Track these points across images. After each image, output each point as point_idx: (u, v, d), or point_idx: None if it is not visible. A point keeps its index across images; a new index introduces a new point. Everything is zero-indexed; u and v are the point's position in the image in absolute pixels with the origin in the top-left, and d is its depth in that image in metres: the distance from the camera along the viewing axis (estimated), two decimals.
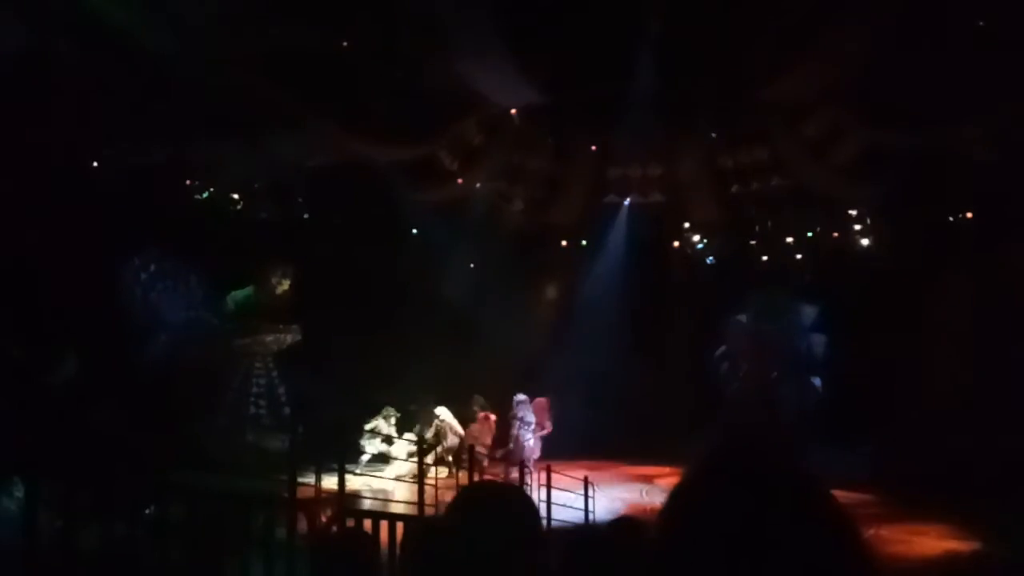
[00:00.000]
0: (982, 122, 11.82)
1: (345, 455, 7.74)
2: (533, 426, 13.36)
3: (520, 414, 13.33)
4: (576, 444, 14.61)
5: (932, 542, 10.22)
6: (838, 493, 0.90)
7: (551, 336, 17.70)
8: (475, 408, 14.81)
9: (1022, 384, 11.93)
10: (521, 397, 13.56)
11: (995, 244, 13.02)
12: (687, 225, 18.04)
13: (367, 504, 9.82)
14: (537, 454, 13.29)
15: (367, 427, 14.32)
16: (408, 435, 14.10)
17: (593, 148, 16.15)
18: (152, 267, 12.86)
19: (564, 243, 18.39)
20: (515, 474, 12.31)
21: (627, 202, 17.40)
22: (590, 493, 10.83)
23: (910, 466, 11.86)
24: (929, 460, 11.75)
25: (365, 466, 13.36)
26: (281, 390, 13.75)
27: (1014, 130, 11.60)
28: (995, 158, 12.17)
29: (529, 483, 12.25)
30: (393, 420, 14.62)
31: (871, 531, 10.37)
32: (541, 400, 13.66)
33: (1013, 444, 11.73)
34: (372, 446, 13.88)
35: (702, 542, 0.84)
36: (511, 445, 13.29)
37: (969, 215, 14.52)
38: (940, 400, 12.75)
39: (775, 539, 0.81)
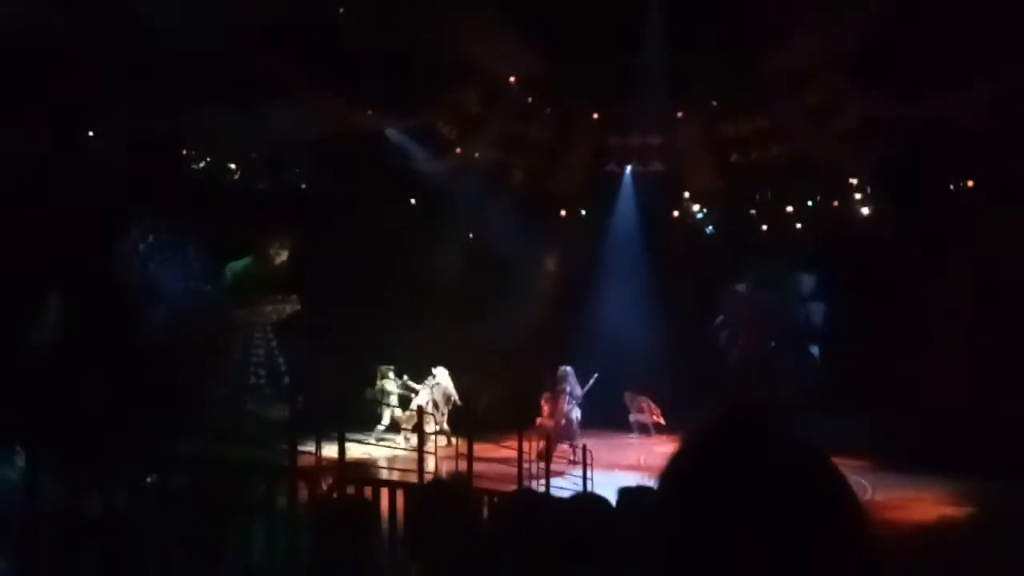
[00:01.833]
0: (982, 90, 11.72)
1: (345, 423, 7.77)
2: (578, 397, 13.09)
3: (567, 387, 13.01)
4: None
5: (927, 508, 10.33)
6: (837, 459, 0.90)
7: (551, 306, 17.75)
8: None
9: (1019, 353, 11.98)
10: (567, 369, 13.24)
11: (995, 213, 12.96)
12: (687, 194, 17.98)
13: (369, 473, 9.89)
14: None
15: (376, 389, 14.25)
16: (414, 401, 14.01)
17: (595, 116, 16.03)
18: (150, 238, 12.82)
19: (563, 212, 18.34)
20: (568, 450, 12.29)
21: (628, 171, 17.33)
22: (588, 461, 10.94)
23: (907, 434, 11.94)
24: (926, 428, 11.83)
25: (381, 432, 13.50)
26: (280, 360, 13.78)
27: (1014, 98, 11.49)
28: (996, 127, 12.07)
29: (578, 459, 12.26)
30: (392, 375, 14.57)
31: (867, 497, 10.50)
32: (568, 368, 13.37)
33: (1009, 413, 11.81)
34: (386, 411, 13.89)
35: (701, 508, 0.84)
36: (562, 420, 12.87)
37: (970, 184, 14.45)
38: (938, 369, 12.80)
39: (774, 505, 0.81)
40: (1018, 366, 12.06)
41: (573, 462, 12.12)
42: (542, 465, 10.28)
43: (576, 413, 12.94)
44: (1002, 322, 12.39)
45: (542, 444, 11.94)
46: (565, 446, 12.72)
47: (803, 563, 0.79)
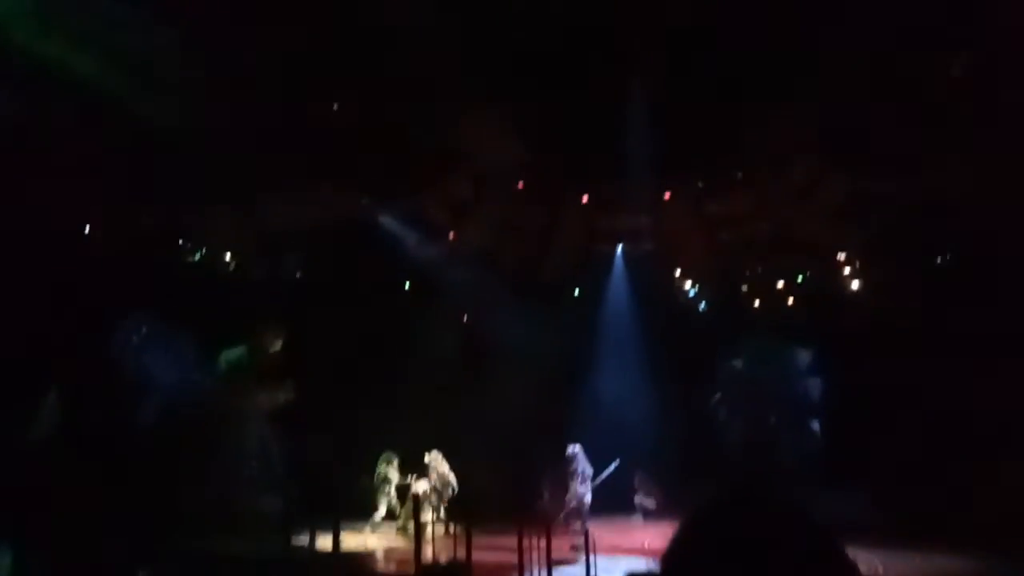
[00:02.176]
0: (965, 165, 12.03)
1: (341, 512, 7.59)
2: (590, 479, 12.71)
3: (578, 467, 12.65)
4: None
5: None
6: (842, 535, 0.90)
7: (547, 388, 17.64)
8: None
9: (1019, 421, 11.90)
10: (575, 449, 12.91)
11: (984, 283, 13.11)
12: (678, 272, 18.13)
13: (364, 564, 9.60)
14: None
15: (378, 477, 13.98)
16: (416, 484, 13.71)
17: (584, 198, 16.33)
18: (144, 328, 12.80)
19: (556, 293, 18.42)
20: (579, 536, 11.85)
21: (619, 251, 17.53)
22: (592, 547, 10.64)
23: (912, 507, 11.73)
24: (930, 501, 11.62)
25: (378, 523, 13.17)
26: (274, 449, 13.57)
27: (996, 174, 11.79)
28: (981, 199, 12.34)
29: (589, 545, 11.86)
30: (396, 463, 14.30)
31: (879, 574, 10.23)
32: (577, 447, 13.06)
33: (1011, 482, 11.65)
34: (383, 500, 13.59)
35: None
36: (572, 503, 12.50)
37: (957, 257, 14.64)
38: (938, 440, 12.68)
39: None
40: (1017, 435, 11.97)
41: (575, 547, 11.78)
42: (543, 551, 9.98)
43: (586, 494, 12.55)
44: (999, 390, 12.35)
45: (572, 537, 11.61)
46: (576, 528, 12.38)
47: None
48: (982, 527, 10.75)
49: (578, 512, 12.42)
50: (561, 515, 12.77)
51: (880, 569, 10.56)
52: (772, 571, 0.81)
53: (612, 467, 13.27)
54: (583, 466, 12.69)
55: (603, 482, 13.58)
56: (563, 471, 12.87)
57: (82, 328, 11.11)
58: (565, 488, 12.69)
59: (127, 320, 12.74)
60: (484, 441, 15.04)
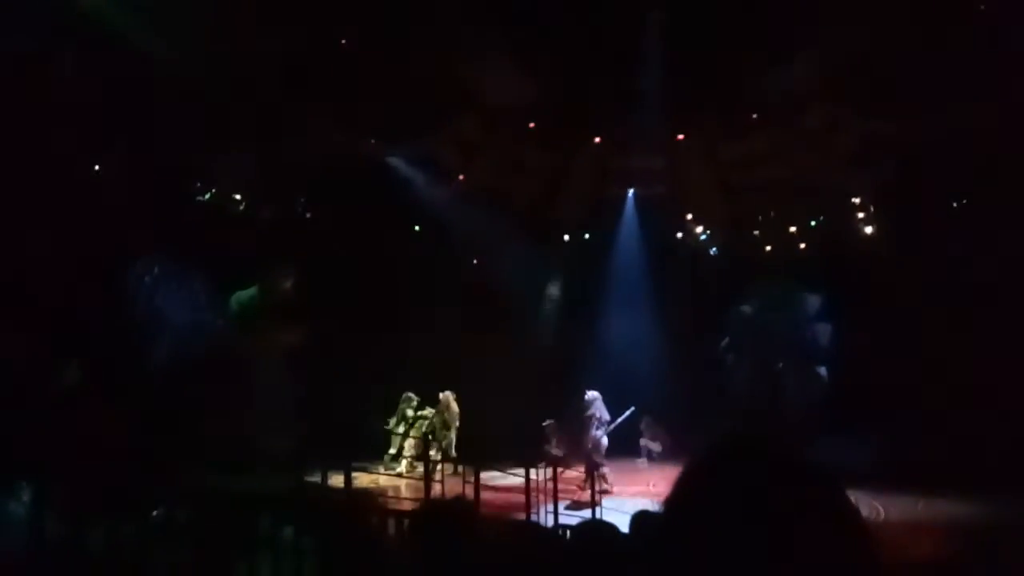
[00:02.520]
0: (981, 108, 11.78)
1: (354, 452, 7.73)
2: (606, 423, 12.89)
3: (596, 412, 12.77)
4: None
5: (940, 530, 10.21)
6: (846, 480, 0.89)
7: (556, 331, 17.75)
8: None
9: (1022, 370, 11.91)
10: (593, 393, 13.01)
11: (997, 231, 12.95)
12: (690, 217, 18.02)
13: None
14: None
15: (397, 416, 14.24)
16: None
17: (596, 140, 16.12)
18: (156, 270, 12.86)
19: (566, 236, 18.40)
20: (594, 476, 12.14)
21: (631, 194, 17.39)
22: (597, 487, 10.85)
23: (917, 453, 11.84)
24: (935, 447, 11.72)
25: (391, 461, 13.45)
26: (288, 389, 13.74)
27: (1013, 116, 11.54)
28: (995, 144, 12.12)
29: (608, 487, 12.13)
30: (414, 403, 14.52)
31: (880, 519, 10.39)
32: (595, 393, 13.14)
33: (1016, 429, 11.71)
34: (397, 438, 13.84)
35: (706, 532, 0.83)
36: (589, 446, 12.66)
37: (970, 201, 14.45)
38: (944, 387, 12.71)
39: (781, 529, 0.81)
40: (1020, 383, 11.98)
41: (591, 488, 12.05)
42: (550, 491, 10.17)
43: (602, 437, 12.75)
44: (1006, 339, 12.32)
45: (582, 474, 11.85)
46: (603, 471, 12.66)
47: None
48: (984, 473, 10.85)
49: (596, 455, 12.61)
50: (578, 457, 12.97)
51: (882, 513, 10.73)
52: (774, 516, 0.81)
53: (628, 412, 13.39)
54: (600, 411, 12.82)
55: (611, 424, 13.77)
56: (581, 415, 12.96)
57: (93, 271, 11.17)
58: (582, 431, 12.81)
59: (138, 263, 12.79)
60: (496, 383, 15.20)
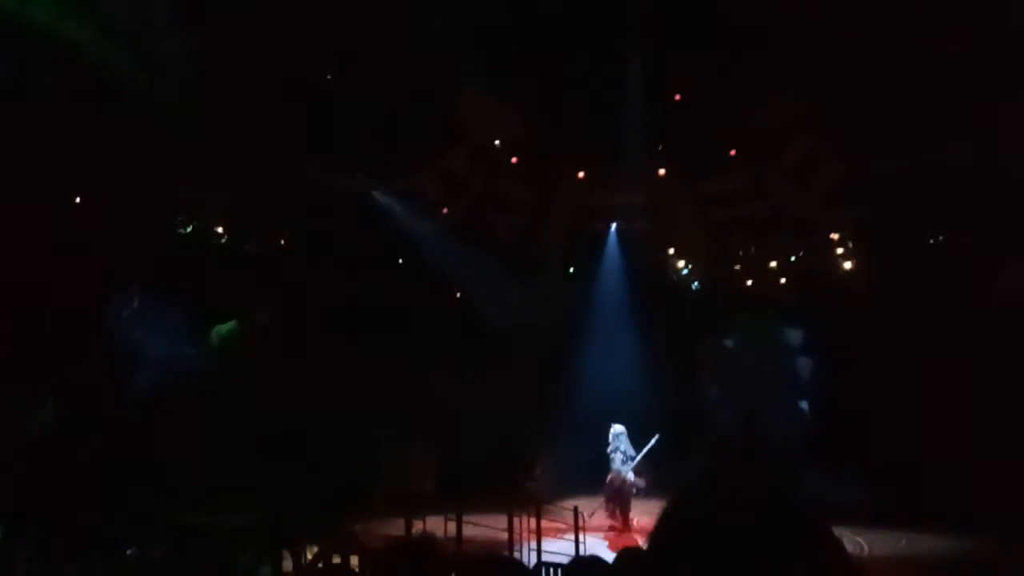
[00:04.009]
0: (958, 146, 12.03)
1: (337, 492, 7.62)
2: (634, 460, 12.65)
3: (621, 447, 12.56)
4: (573, 478, 14.59)
5: (922, 567, 10.20)
6: (829, 515, 0.89)
7: (540, 365, 17.70)
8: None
9: (1008, 405, 11.99)
10: (618, 428, 12.76)
11: (976, 265, 13.15)
12: (672, 251, 18.15)
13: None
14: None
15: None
16: None
17: (579, 175, 16.26)
18: (135, 303, 12.74)
19: (549, 270, 18.44)
20: (624, 519, 12.11)
21: (613, 229, 17.51)
22: (580, 524, 10.74)
23: (900, 488, 11.84)
24: (918, 482, 11.74)
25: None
26: (270, 424, 13.56)
27: (989, 154, 11.80)
28: (972, 181, 12.36)
29: (633, 523, 11.94)
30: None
31: (864, 554, 10.36)
32: (620, 427, 12.97)
33: (996, 467, 11.78)
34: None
35: (689, 563, 0.82)
36: (615, 484, 12.50)
37: (947, 237, 14.69)
38: (927, 422, 12.78)
39: (762, 560, 0.80)
40: (1004, 419, 12.07)
41: (617, 528, 11.95)
42: (533, 528, 10.05)
43: (631, 476, 12.52)
44: (989, 374, 12.43)
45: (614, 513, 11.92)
46: (615, 509, 12.51)
47: None
48: (967, 509, 10.87)
49: (619, 492, 12.39)
50: (604, 496, 12.82)
51: (866, 548, 10.70)
52: (759, 550, 0.81)
53: (652, 442, 13.21)
54: (626, 446, 12.64)
55: (591, 460, 13.67)
56: (609, 454, 12.78)
57: (71, 302, 11.04)
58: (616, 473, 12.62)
59: (118, 294, 12.66)
60: (476, 420, 15.08)
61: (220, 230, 14.66)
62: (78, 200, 12.31)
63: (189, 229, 14.25)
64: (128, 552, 4.97)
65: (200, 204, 13.98)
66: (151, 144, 11.54)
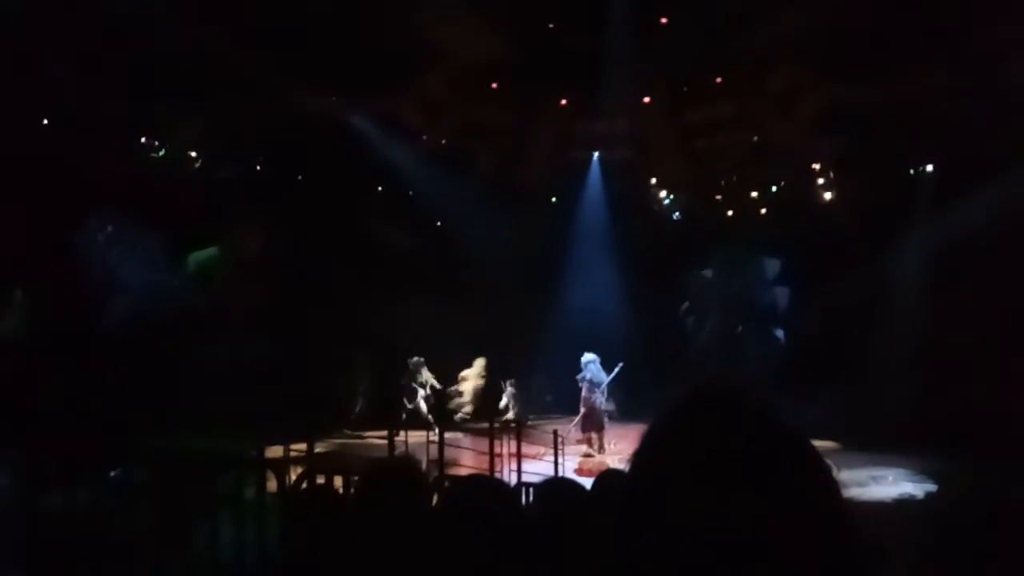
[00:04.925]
0: (939, 75, 11.94)
1: (318, 414, 7.70)
2: (604, 386, 13.04)
3: (587, 375, 12.94)
4: (552, 402, 14.85)
5: (888, 487, 10.58)
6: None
7: (520, 293, 17.79)
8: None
9: (976, 335, 12.28)
10: (590, 356, 13.14)
11: (954, 196, 13.23)
12: (654, 181, 18.07)
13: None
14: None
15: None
16: None
17: (561, 102, 15.98)
18: (109, 228, 12.53)
19: (532, 199, 18.33)
20: (595, 441, 12.44)
21: (596, 158, 17.34)
22: (560, 447, 10.99)
23: (869, 413, 12.18)
24: (887, 409, 12.07)
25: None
26: (247, 351, 13.60)
27: (970, 83, 11.73)
28: (953, 111, 12.32)
29: (608, 447, 12.29)
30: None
31: (833, 475, 10.70)
32: (591, 356, 13.31)
33: (966, 393, 12.14)
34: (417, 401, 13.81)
35: (673, 481, 0.82)
36: (582, 409, 12.95)
37: (929, 168, 14.73)
38: (898, 351, 13.07)
39: (748, 475, 0.80)
40: (973, 347, 12.37)
41: (593, 454, 12.31)
42: (512, 452, 10.27)
43: (600, 402, 12.89)
44: (959, 304, 12.67)
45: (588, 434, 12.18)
46: (591, 435, 12.85)
47: (780, 540, 0.78)
48: (937, 433, 11.23)
49: (593, 417, 12.75)
50: (575, 421, 13.18)
51: (835, 470, 11.04)
52: (744, 470, 0.81)
53: (617, 370, 13.50)
54: (595, 374, 12.89)
55: (565, 384, 13.95)
56: (579, 381, 13.16)
57: (45, 230, 10.85)
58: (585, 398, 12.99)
59: (91, 221, 12.44)
60: (461, 345, 15.23)
61: (194, 154, 14.33)
62: (45, 122, 11.94)
63: (162, 153, 13.92)
64: (112, 474, 4.99)
65: (173, 127, 13.60)
66: (120, 65, 11.15)
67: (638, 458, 0.87)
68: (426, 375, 14.30)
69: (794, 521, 0.79)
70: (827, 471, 0.85)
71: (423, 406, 13.85)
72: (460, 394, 14.69)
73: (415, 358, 14.37)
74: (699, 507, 0.79)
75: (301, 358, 12.93)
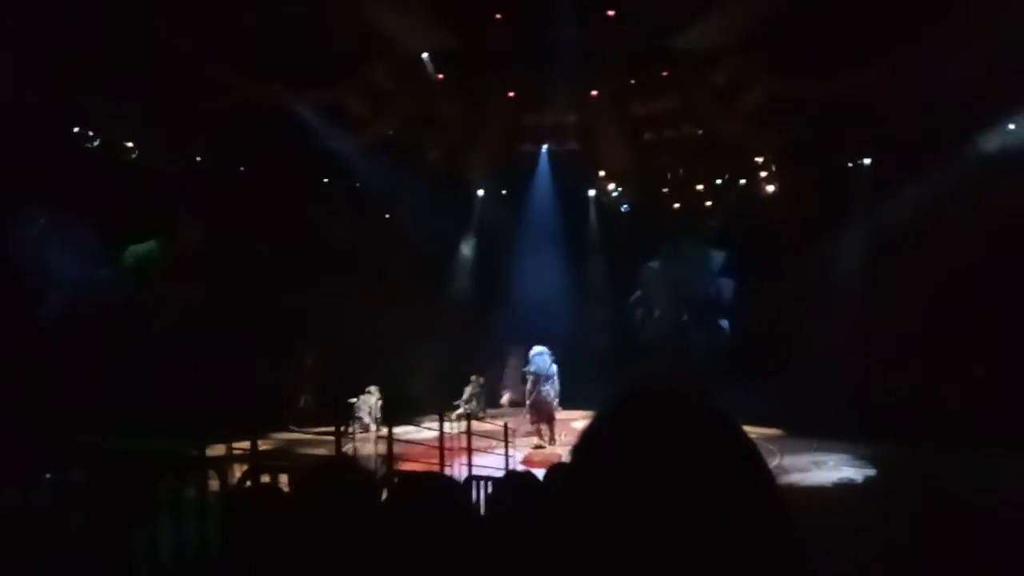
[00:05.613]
0: (879, 70, 12.27)
1: (258, 411, 7.54)
2: (555, 378, 13.16)
3: (534, 367, 13.06)
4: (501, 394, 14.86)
5: (829, 472, 10.88)
6: (747, 428, 0.91)
7: (470, 286, 17.77)
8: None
9: (913, 323, 12.70)
10: (539, 348, 13.23)
11: (891, 188, 13.65)
12: (602, 173, 18.21)
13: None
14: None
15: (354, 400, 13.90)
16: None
17: (509, 95, 15.95)
18: (41, 221, 12.06)
19: (480, 192, 18.32)
20: (546, 432, 12.63)
21: (544, 150, 17.39)
22: (510, 439, 11.01)
23: (812, 402, 12.52)
24: (828, 396, 12.42)
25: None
26: (191, 346, 13.26)
27: (907, 77, 12.08)
28: (891, 105, 12.67)
29: (559, 438, 12.38)
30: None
31: (775, 462, 10.97)
32: (538, 348, 13.42)
33: (903, 380, 12.56)
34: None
35: (612, 475, 0.83)
36: (527, 401, 13.14)
37: (867, 161, 15.15)
38: (838, 340, 13.44)
39: (684, 469, 0.82)
40: (910, 336, 12.80)
41: (539, 446, 12.48)
42: (463, 444, 10.25)
43: (548, 394, 13.05)
44: (896, 293, 13.08)
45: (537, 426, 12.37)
46: (541, 426, 13.03)
47: (713, 525, 0.79)
48: (877, 419, 11.59)
49: (541, 409, 12.92)
50: (524, 413, 13.32)
51: (777, 456, 11.33)
52: (681, 463, 0.82)
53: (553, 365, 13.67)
54: (542, 367, 13.03)
55: (519, 377, 14.04)
56: (526, 373, 13.37)
57: None
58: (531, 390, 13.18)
59: (23, 214, 11.95)
60: (411, 339, 15.11)
61: (130, 145, 13.88)
62: None
63: (97, 143, 13.45)
64: (46, 476, 4.81)
65: (108, 117, 13.13)
66: (53, 52, 10.71)
67: (576, 454, 0.88)
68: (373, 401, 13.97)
69: (728, 513, 0.81)
70: (762, 463, 0.86)
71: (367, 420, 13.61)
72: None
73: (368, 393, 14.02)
74: (633, 501, 0.80)
75: (244, 353, 12.65)
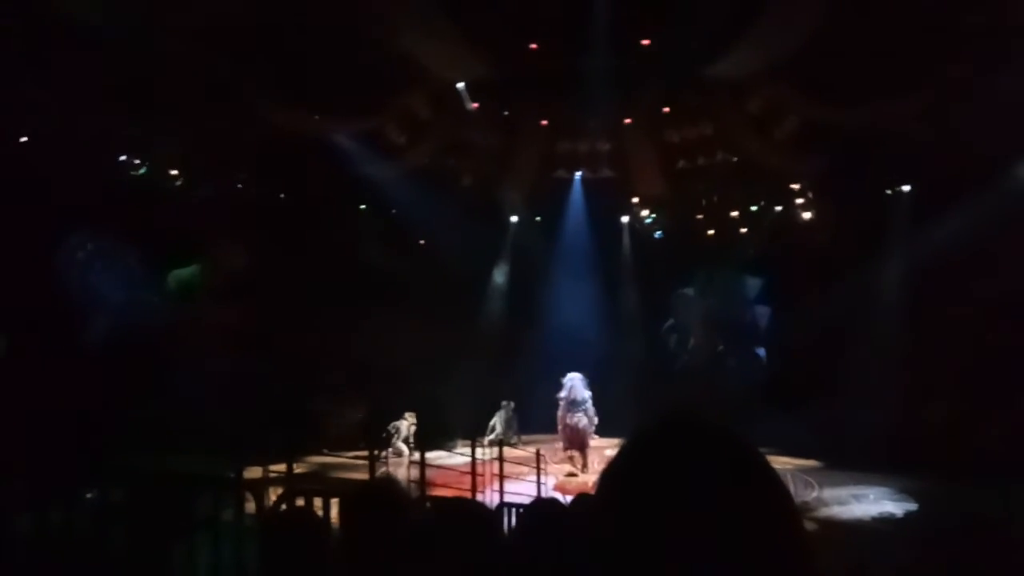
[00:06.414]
0: (916, 97, 12.15)
1: (297, 434, 7.63)
2: (588, 404, 13.13)
3: (573, 396, 13.04)
4: (535, 420, 14.83)
5: (869, 505, 10.63)
6: (786, 459, 0.92)
7: (504, 312, 17.81)
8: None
9: (953, 354, 12.42)
10: (574, 375, 13.24)
11: (932, 215, 13.42)
12: (636, 200, 18.21)
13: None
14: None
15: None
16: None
17: (543, 122, 16.08)
18: (89, 246, 12.42)
19: (514, 219, 18.43)
20: (578, 459, 12.64)
21: (578, 178, 17.47)
22: (542, 466, 10.95)
23: (851, 433, 12.26)
24: (868, 427, 12.16)
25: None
26: (230, 369, 13.47)
27: (946, 105, 11.94)
28: (929, 132, 12.52)
29: (592, 466, 12.46)
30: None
31: (815, 494, 10.75)
32: (573, 376, 13.46)
33: (943, 412, 12.26)
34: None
35: (635, 506, 0.84)
36: (560, 427, 13.12)
37: (906, 188, 14.94)
38: (879, 369, 13.18)
39: (706, 501, 0.82)
40: (953, 366, 12.51)
41: (572, 473, 12.43)
42: (495, 471, 10.22)
43: (581, 421, 12.98)
44: (940, 322, 12.82)
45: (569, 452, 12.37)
46: (573, 453, 12.96)
47: (733, 556, 0.80)
48: (918, 452, 11.32)
49: (574, 436, 12.83)
50: (560, 441, 13.27)
51: (816, 488, 11.11)
52: (706, 494, 0.83)
53: (588, 392, 13.59)
54: (576, 394, 12.97)
55: (553, 404, 13.97)
56: (559, 400, 13.31)
57: (25, 247, 10.73)
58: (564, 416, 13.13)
59: (71, 239, 12.33)
60: (445, 364, 15.17)
61: (175, 172, 14.26)
62: (24, 139, 11.85)
63: (143, 171, 13.84)
64: (88, 495, 4.91)
65: (154, 145, 13.53)
66: (101, 83, 11.10)
67: (603, 482, 0.90)
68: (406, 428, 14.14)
69: (751, 544, 0.81)
70: (786, 495, 0.87)
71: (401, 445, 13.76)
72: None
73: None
74: (655, 530, 0.81)
75: (282, 377, 12.82)
